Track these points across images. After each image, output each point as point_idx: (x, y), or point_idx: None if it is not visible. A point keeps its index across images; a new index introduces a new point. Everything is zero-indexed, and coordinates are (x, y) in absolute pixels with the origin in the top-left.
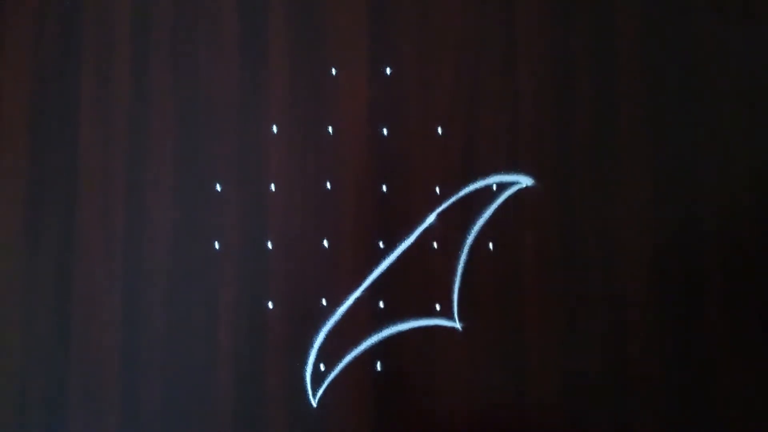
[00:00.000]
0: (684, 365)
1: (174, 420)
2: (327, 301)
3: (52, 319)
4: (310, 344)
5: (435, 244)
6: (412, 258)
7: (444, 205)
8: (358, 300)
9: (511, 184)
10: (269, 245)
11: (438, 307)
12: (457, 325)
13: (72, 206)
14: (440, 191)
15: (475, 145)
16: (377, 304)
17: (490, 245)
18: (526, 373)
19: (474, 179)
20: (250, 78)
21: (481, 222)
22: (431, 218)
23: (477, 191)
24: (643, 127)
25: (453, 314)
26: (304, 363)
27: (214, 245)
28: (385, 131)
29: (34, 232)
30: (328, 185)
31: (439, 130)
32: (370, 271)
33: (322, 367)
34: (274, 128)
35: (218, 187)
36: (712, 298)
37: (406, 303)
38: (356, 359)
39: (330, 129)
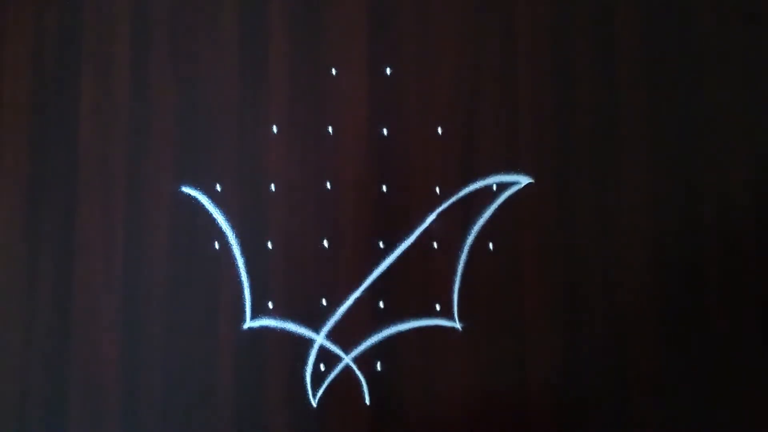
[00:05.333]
0: (684, 365)
1: (174, 420)
2: (327, 301)
3: (52, 319)
4: (310, 344)
5: (435, 244)
6: (412, 258)
7: (444, 205)
8: (358, 300)
9: (511, 184)
10: (269, 245)
11: (438, 307)
12: (457, 325)
13: (72, 206)
14: (440, 191)
15: (475, 145)
16: (377, 304)
17: (490, 245)
18: (526, 372)
19: (474, 179)
20: (250, 78)
21: (481, 222)
22: (431, 218)
23: (477, 191)
24: (643, 127)
25: (453, 314)
26: (304, 363)
27: (214, 245)
28: (385, 131)
29: (34, 232)
30: (328, 185)
31: (439, 130)
32: (370, 271)
33: (322, 367)
34: (274, 128)
35: (218, 187)
36: (712, 297)
37: (406, 303)
38: (356, 359)
39: (330, 129)
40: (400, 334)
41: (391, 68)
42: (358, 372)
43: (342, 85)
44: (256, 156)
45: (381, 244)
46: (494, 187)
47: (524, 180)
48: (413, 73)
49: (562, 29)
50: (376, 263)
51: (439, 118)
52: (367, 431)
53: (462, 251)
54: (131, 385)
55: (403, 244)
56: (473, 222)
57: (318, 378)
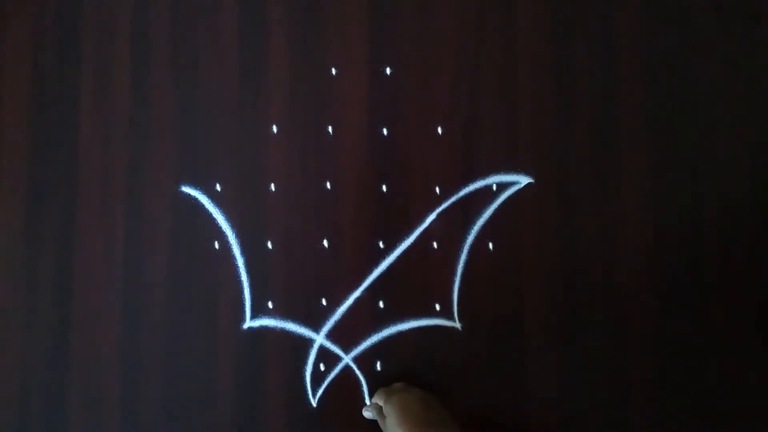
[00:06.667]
0: (684, 365)
1: (174, 420)
2: (327, 301)
3: (52, 319)
4: (310, 344)
5: (435, 244)
6: (412, 258)
7: (444, 205)
8: (358, 300)
9: (511, 184)
10: (269, 245)
11: (438, 307)
12: (457, 325)
13: (72, 206)
14: (440, 191)
15: (475, 145)
16: (377, 304)
17: (490, 245)
18: (526, 373)
19: (474, 179)
20: (250, 78)
21: (481, 222)
22: (431, 218)
23: (477, 191)
24: (643, 127)
25: (453, 314)
26: (304, 363)
27: (214, 245)
28: (385, 131)
29: (34, 232)
30: (328, 185)
31: (439, 130)
32: (370, 271)
33: (322, 367)
34: (274, 128)
35: (218, 187)
36: (712, 297)
37: (406, 303)
38: (356, 359)
39: (330, 129)
40: (400, 334)
41: (391, 68)
42: (358, 372)
43: (342, 85)
44: (256, 156)
45: (381, 244)
46: (494, 187)
47: (524, 180)
48: (413, 73)
49: (562, 29)
50: (376, 263)
51: (439, 118)
52: (367, 431)
53: (462, 251)
54: (131, 385)
55: (403, 244)
56: (473, 222)
57: (318, 378)
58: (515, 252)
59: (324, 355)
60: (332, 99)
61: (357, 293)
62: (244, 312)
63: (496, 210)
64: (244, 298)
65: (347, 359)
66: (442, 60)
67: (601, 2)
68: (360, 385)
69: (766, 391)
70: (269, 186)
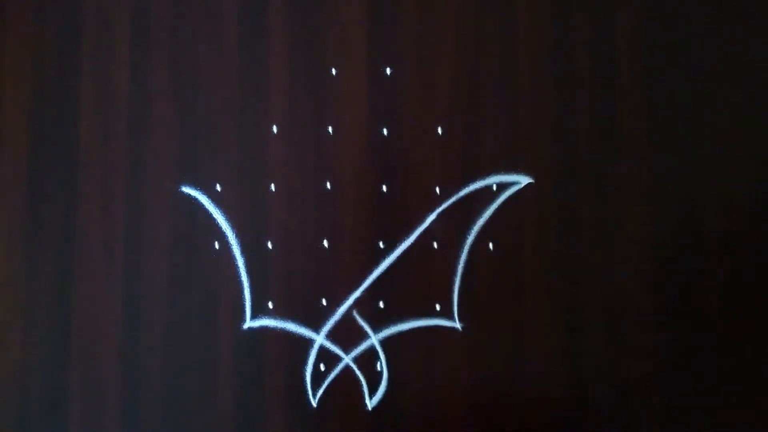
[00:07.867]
0: (684, 364)
1: (174, 420)
2: (327, 301)
3: (52, 319)
4: (310, 344)
5: (435, 244)
6: (412, 258)
7: (444, 205)
8: (358, 300)
9: (511, 184)
10: (269, 245)
11: (438, 307)
12: (457, 325)
13: (72, 206)
14: (440, 191)
15: (475, 145)
16: (377, 304)
17: (490, 245)
18: (525, 372)
19: (474, 179)
20: (250, 78)
21: (481, 222)
22: (431, 218)
23: (477, 191)
24: (643, 127)
25: (453, 314)
26: (304, 363)
27: (214, 245)
28: (385, 131)
29: (34, 232)
30: (328, 185)
31: (439, 130)
32: (370, 271)
33: (322, 367)
34: (274, 128)
35: (218, 187)
36: (712, 297)
37: (406, 303)
38: (356, 359)
39: (330, 129)
40: (400, 334)
41: (391, 68)
42: (358, 372)
43: (342, 85)
44: (256, 156)
45: (381, 244)
46: (494, 187)
47: (524, 180)
48: (413, 73)
49: (562, 30)
50: (376, 263)
51: (439, 118)
52: (367, 431)
53: (462, 251)
54: (131, 385)
55: (403, 244)
56: (473, 222)
57: (318, 378)
58: (515, 252)
59: (324, 355)
60: (332, 99)
61: (357, 293)
62: (244, 312)
63: (496, 210)
64: (244, 298)
65: (347, 359)
66: (442, 60)
67: (601, 2)
68: (360, 385)
69: (766, 391)
70: (269, 186)
